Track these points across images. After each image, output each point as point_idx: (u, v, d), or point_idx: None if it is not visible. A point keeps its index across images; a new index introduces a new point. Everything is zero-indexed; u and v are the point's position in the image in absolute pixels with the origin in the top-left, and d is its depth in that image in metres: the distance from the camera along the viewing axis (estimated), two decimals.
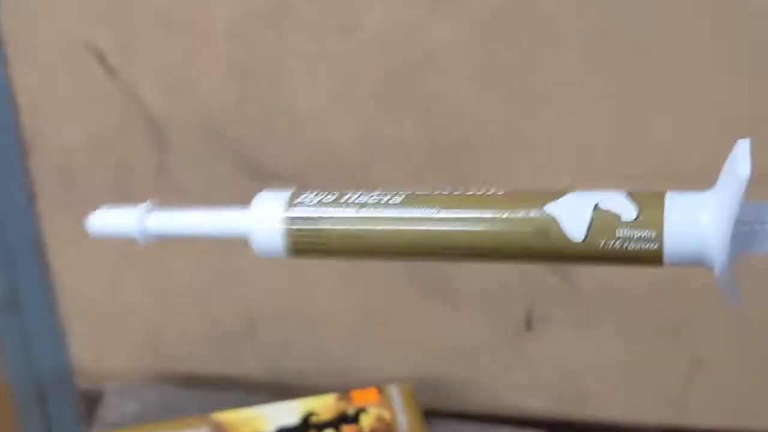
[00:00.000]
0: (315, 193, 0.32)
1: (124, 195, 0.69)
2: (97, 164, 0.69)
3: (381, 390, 0.66)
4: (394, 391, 0.66)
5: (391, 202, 0.31)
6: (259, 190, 0.33)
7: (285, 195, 0.32)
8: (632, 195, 0.29)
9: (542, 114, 0.62)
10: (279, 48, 0.63)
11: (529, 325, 0.69)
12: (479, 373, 0.72)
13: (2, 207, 0.72)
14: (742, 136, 0.28)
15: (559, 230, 0.29)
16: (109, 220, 0.35)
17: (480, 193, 0.30)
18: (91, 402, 0.76)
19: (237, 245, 0.33)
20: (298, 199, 0.32)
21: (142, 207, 0.34)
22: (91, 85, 0.66)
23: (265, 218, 0.32)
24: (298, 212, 0.32)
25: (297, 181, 0.66)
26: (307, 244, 0.32)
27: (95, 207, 0.35)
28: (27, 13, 0.65)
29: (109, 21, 0.64)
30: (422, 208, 0.30)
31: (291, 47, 0.62)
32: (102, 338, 0.78)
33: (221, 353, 0.75)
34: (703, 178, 0.27)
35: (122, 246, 0.72)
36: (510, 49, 0.60)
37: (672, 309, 0.66)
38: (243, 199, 0.67)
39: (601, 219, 0.28)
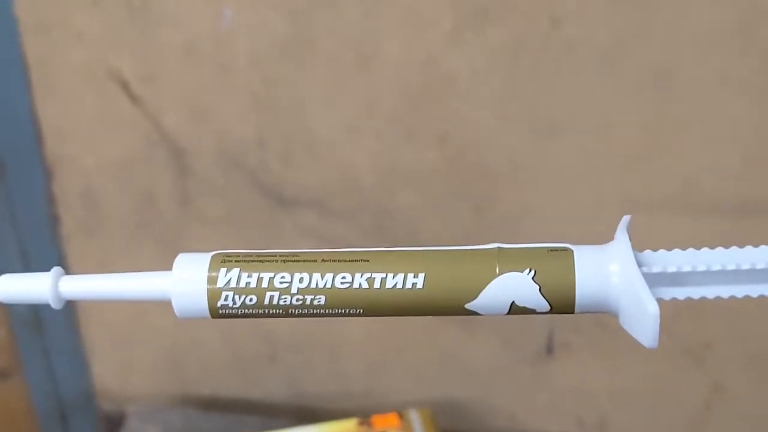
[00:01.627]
0: (237, 279, 0.34)
1: (145, 220, 0.70)
2: (119, 189, 0.70)
3: (401, 415, 0.66)
4: (414, 416, 0.66)
5: (315, 303, 0.34)
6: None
7: (204, 273, 0.33)
8: (544, 287, 0.32)
9: (561, 141, 0.62)
10: (299, 77, 0.63)
11: (549, 349, 0.69)
12: (499, 397, 0.72)
13: (26, 230, 0.73)
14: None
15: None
16: (17, 285, 0.34)
17: (403, 287, 0.34)
18: (113, 423, 0.77)
19: None
20: (222, 300, 0.34)
21: (52, 273, 0.34)
22: (114, 112, 0.67)
23: (189, 294, 0.34)
24: (223, 303, 0.34)
25: (317, 207, 0.66)
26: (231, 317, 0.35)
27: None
28: (52, 41, 0.66)
29: (133, 50, 0.65)
30: (345, 308, 0.34)
31: (311, 77, 0.63)
32: (124, 360, 0.78)
33: (243, 377, 0.75)
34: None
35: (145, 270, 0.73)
36: (529, 76, 0.60)
37: (692, 335, 0.66)
38: (263, 225, 0.67)
39: (519, 311, 0.32)
